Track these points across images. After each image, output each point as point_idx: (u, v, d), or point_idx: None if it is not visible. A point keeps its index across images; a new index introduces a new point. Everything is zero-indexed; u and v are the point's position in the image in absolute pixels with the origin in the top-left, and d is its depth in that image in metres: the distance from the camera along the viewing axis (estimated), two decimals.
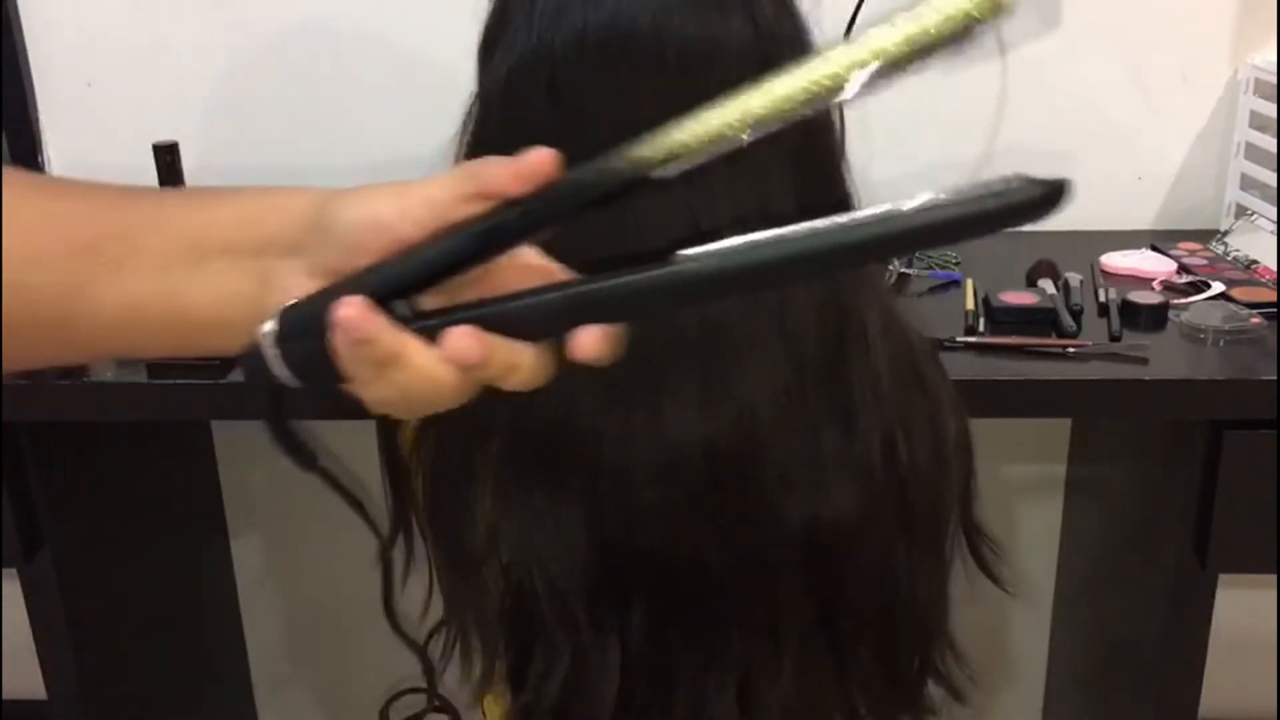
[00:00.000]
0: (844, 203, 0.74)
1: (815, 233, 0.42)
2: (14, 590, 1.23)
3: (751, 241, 0.43)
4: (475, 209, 0.46)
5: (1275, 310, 1.17)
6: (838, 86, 0.42)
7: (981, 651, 0.88)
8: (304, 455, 0.55)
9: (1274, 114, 1.32)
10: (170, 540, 1.52)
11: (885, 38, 0.42)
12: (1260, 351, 1.10)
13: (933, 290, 1.26)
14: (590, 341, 0.45)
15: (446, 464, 0.77)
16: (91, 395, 1.10)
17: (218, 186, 0.53)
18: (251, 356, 0.49)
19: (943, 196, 0.41)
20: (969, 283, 1.24)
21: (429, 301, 0.47)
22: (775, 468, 0.72)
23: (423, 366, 0.46)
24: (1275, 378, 1.05)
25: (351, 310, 0.45)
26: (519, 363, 0.46)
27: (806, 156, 0.71)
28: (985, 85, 1.42)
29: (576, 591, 0.73)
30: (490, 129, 0.71)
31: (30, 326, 0.51)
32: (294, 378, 0.49)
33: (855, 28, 1.30)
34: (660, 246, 0.44)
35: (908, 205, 0.41)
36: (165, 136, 1.27)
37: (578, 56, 0.66)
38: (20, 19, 1.42)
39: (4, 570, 1.20)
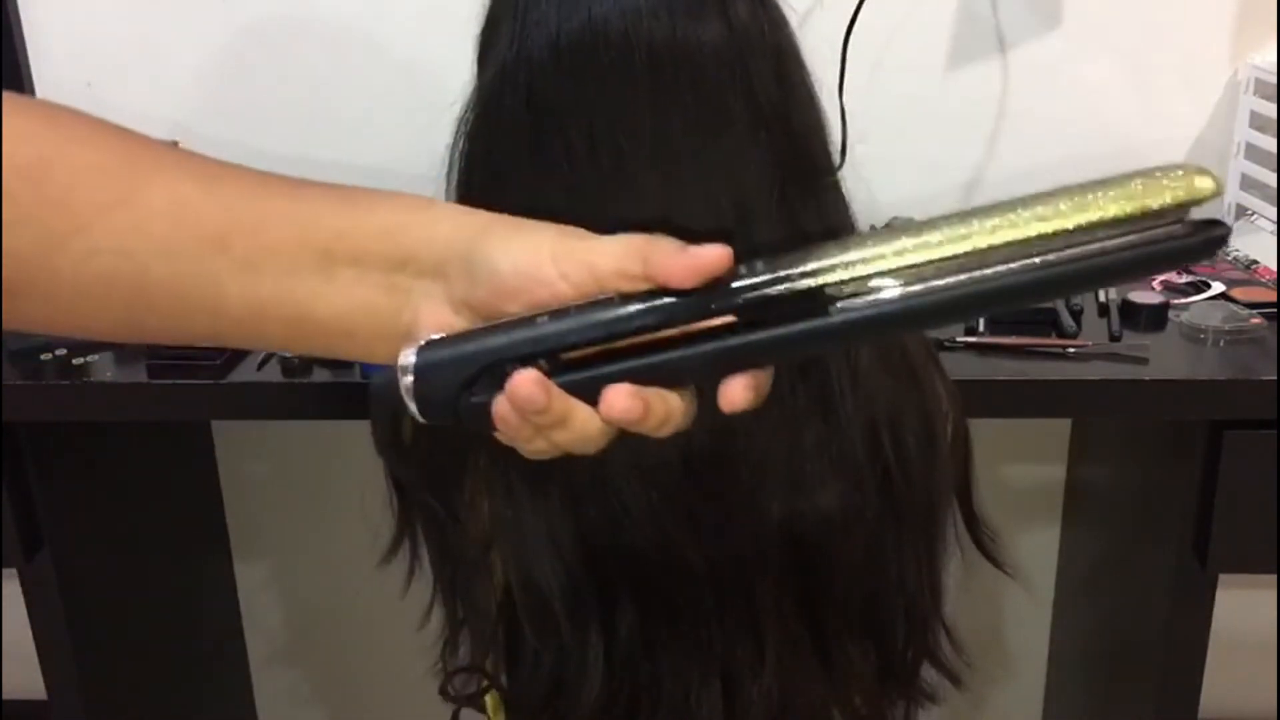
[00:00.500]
0: (827, 200, 0.74)
1: (970, 280, 0.43)
2: (14, 590, 1.23)
3: (907, 293, 0.43)
4: (636, 286, 0.46)
5: (1275, 310, 1.17)
6: (1037, 242, 0.42)
7: (982, 649, 0.88)
8: (412, 486, 0.57)
9: (1274, 114, 1.31)
10: (170, 540, 1.52)
11: (1102, 207, 0.42)
12: (1260, 351, 1.10)
13: None
14: (740, 392, 0.45)
15: (440, 469, 0.77)
16: (91, 395, 1.10)
17: (353, 186, 0.52)
18: (382, 384, 0.49)
19: (1101, 244, 0.41)
20: None
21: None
22: (753, 465, 0.72)
23: (583, 422, 0.46)
24: (1275, 378, 1.05)
25: (531, 388, 0.45)
26: (672, 414, 0.46)
27: (789, 155, 0.71)
28: (985, 85, 1.42)
29: (559, 592, 0.74)
30: (477, 136, 0.72)
31: (149, 312, 0.50)
32: (420, 414, 0.49)
33: (853, 30, 1.30)
34: (811, 292, 0.44)
35: (1055, 255, 0.41)
36: (165, 136, 1.28)
37: (553, 63, 0.67)
38: (20, 19, 1.42)
39: (4, 570, 1.20)
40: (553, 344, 0.46)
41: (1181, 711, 1.22)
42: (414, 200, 0.51)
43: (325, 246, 0.49)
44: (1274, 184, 1.31)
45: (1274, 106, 1.31)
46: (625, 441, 0.71)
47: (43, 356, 1.12)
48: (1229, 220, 1.40)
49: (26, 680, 1.47)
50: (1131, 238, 0.41)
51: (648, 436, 0.47)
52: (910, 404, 0.76)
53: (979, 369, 1.08)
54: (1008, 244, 0.41)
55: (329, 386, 1.08)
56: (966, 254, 0.42)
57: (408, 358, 0.48)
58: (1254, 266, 1.29)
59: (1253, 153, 1.38)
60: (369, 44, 1.43)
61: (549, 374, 0.46)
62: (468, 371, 0.47)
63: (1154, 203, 0.41)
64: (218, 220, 0.49)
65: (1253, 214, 1.36)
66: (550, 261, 0.46)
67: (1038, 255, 0.42)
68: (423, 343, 0.48)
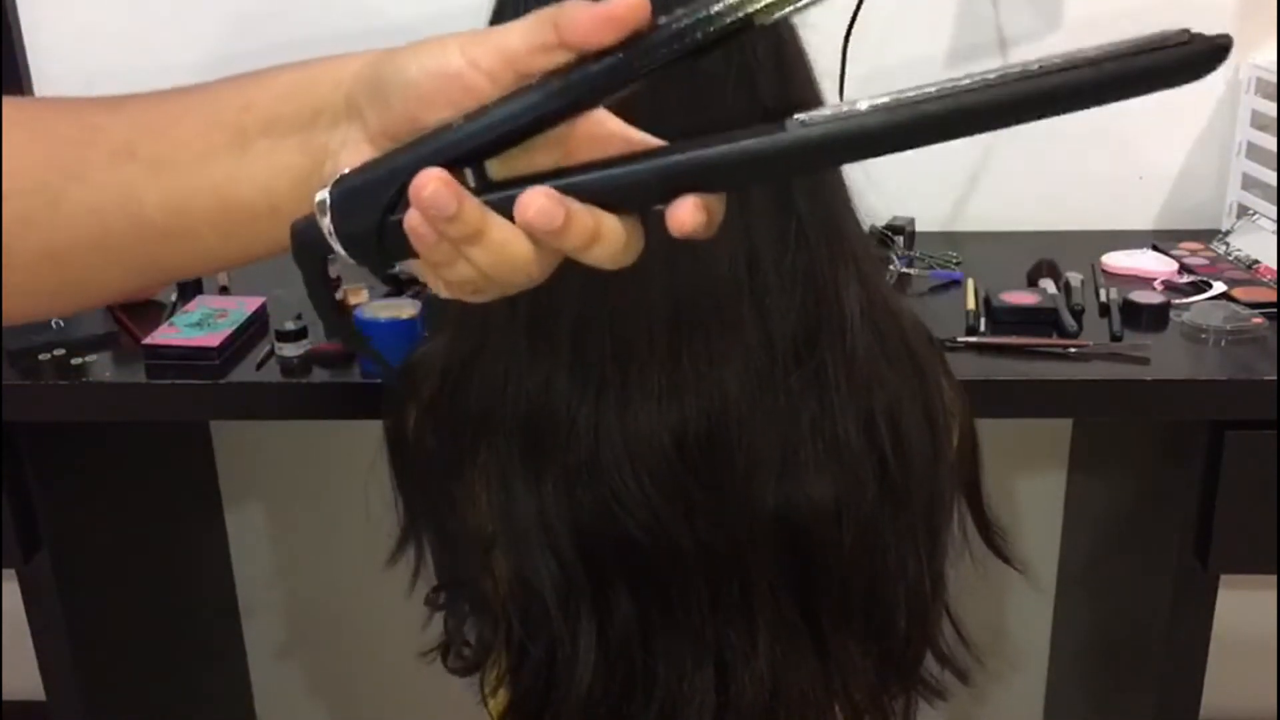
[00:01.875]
0: (826, 186, 0.74)
1: (939, 94, 0.39)
2: (13, 591, 1.23)
3: (871, 106, 0.39)
4: (554, 60, 0.41)
5: (1276, 310, 1.16)
6: None
7: (985, 648, 0.88)
8: (348, 333, 0.53)
9: (1275, 113, 1.31)
10: (169, 541, 1.52)
11: None
12: (1261, 351, 1.10)
13: (933, 290, 1.26)
14: (689, 212, 0.41)
15: (441, 463, 0.77)
16: (90, 395, 1.10)
17: (257, 69, 0.48)
18: (304, 228, 0.45)
19: (1083, 53, 0.37)
20: (970, 282, 1.24)
21: (496, 170, 0.43)
22: (747, 452, 0.72)
23: (505, 241, 0.42)
24: (1276, 378, 1.05)
25: (436, 185, 0.41)
26: (602, 231, 0.42)
27: None
28: None
29: (550, 582, 0.74)
30: None
31: (72, 258, 0.47)
32: (347, 253, 0.45)
33: (853, 30, 1.30)
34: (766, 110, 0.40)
35: (1039, 65, 0.37)
36: None
37: None
38: (20, 19, 1.42)
39: (3, 571, 1.19)
40: (472, 144, 0.42)
41: (1183, 711, 1.22)
42: (317, 59, 0.48)
43: (234, 123, 0.46)
44: (1275, 183, 1.31)
45: (1275, 106, 1.31)
46: (617, 429, 0.72)
47: (41, 357, 1.12)
48: (1230, 220, 1.40)
49: (26, 680, 1.47)
50: (1128, 48, 0.38)
51: (593, 265, 0.43)
52: (911, 395, 0.76)
53: (979, 369, 1.08)
54: None
55: (328, 386, 1.08)
56: None
57: (322, 195, 0.44)
58: (1255, 266, 1.28)
59: (1254, 152, 1.38)
60: (373, 44, 1.42)
61: (476, 192, 0.42)
62: (386, 194, 0.43)
63: None
64: (123, 132, 0.47)
65: (1254, 213, 1.36)
66: (458, 52, 0.43)
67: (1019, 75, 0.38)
68: (336, 178, 0.44)
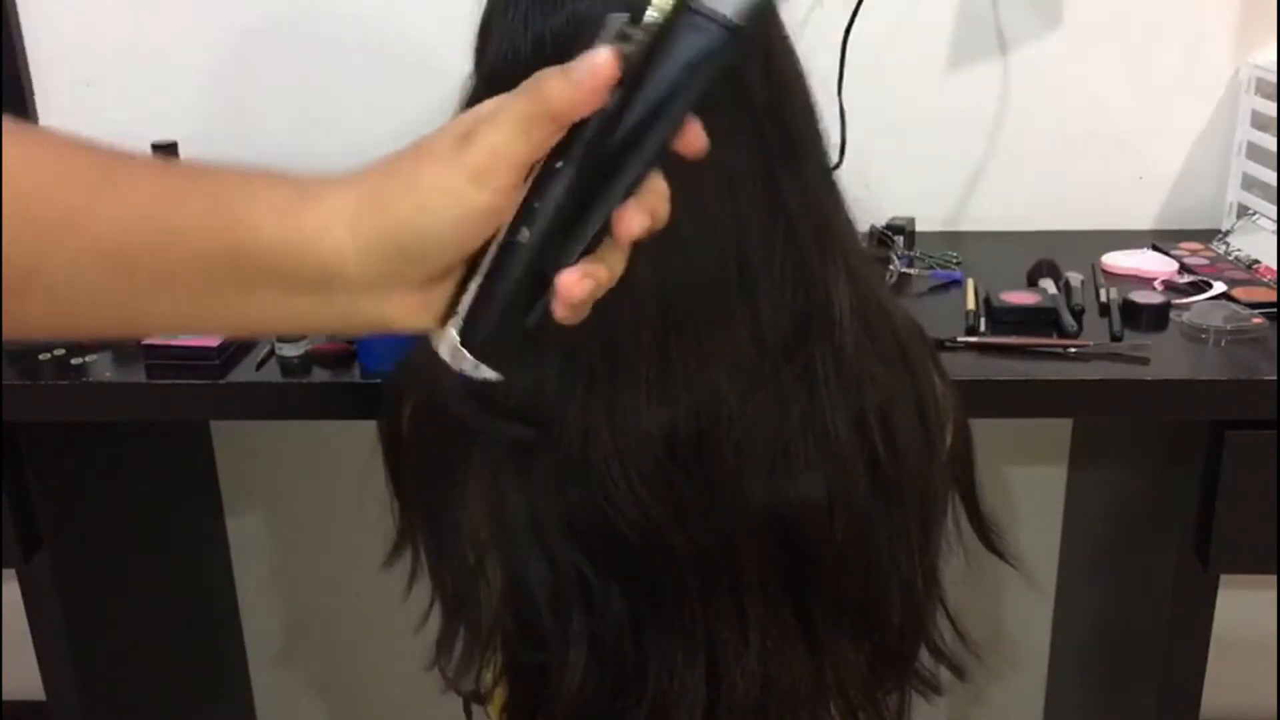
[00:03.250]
0: (814, 186, 0.74)
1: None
2: (13, 591, 1.23)
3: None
4: (550, 136, 0.45)
5: (1276, 310, 1.16)
6: None
7: (984, 648, 0.88)
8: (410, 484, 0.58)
9: (1275, 113, 1.31)
10: (169, 541, 1.52)
11: None
12: (1261, 351, 1.10)
13: (933, 290, 1.26)
14: (631, 221, 0.46)
15: (430, 464, 0.78)
16: (91, 395, 1.10)
17: (225, 181, 0.47)
18: (451, 375, 0.48)
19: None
20: (970, 282, 1.24)
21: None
22: (737, 449, 0.73)
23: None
24: (1276, 378, 1.05)
25: (579, 287, 0.46)
26: (616, 270, 0.48)
27: (777, 144, 0.71)
28: (985, 85, 1.41)
29: (542, 580, 0.74)
30: None
31: (85, 323, 0.47)
32: (498, 372, 0.49)
33: (853, 30, 1.30)
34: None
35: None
36: (165, 136, 1.27)
37: (537, 59, 0.67)
38: (19, 18, 1.42)
39: (3, 570, 1.19)
40: (549, 251, 0.46)
41: (1183, 711, 1.22)
42: (287, 201, 0.47)
43: (229, 262, 0.45)
44: (1275, 183, 1.31)
45: (1275, 106, 1.31)
46: (606, 427, 0.72)
47: (41, 357, 1.12)
48: (1230, 220, 1.40)
49: (26, 680, 1.47)
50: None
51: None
52: (903, 391, 0.76)
53: (979, 369, 1.08)
54: None
55: (329, 386, 1.08)
56: None
57: (460, 363, 0.48)
58: (1255, 266, 1.28)
59: (1254, 152, 1.38)
60: (370, 44, 1.43)
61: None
62: (507, 327, 0.47)
63: None
64: (116, 237, 0.45)
65: (1254, 213, 1.36)
66: (473, 187, 0.44)
67: None
68: (451, 336, 0.47)
